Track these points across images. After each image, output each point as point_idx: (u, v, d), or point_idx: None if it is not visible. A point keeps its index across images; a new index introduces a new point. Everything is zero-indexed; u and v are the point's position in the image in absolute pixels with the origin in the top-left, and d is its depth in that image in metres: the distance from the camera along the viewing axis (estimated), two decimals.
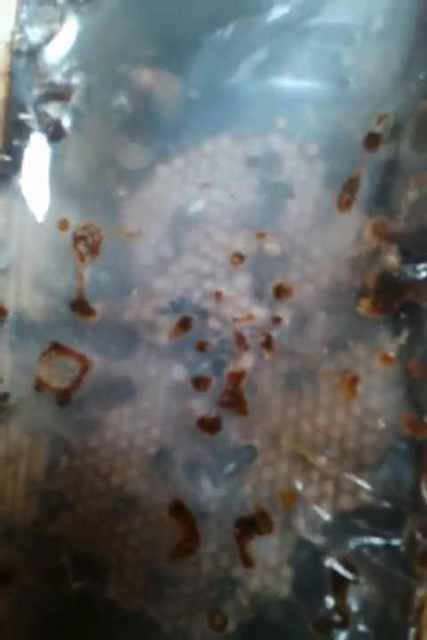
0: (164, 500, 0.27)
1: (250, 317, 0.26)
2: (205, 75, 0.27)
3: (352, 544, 0.25)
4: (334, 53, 0.26)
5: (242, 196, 0.27)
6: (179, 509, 0.26)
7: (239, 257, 0.26)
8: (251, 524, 0.25)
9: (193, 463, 0.27)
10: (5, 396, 0.27)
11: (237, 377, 0.26)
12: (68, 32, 0.26)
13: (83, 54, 0.26)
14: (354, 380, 0.25)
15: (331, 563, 0.25)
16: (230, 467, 0.26)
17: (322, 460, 0.26)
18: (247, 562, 0.25)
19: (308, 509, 0.26)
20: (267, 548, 0.26)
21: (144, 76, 0.27)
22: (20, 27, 0.26)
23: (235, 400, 0.26)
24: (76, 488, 0.28)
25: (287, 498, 0.25)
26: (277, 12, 0.27)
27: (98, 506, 0.28)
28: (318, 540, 0.25)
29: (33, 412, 0.27)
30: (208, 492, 0.26)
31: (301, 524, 0.26)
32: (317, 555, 0.25)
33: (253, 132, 0.27)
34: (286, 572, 0.26)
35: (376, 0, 0.24)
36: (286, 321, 0.26)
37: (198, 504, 0.26)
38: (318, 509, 0.26)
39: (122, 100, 0.27)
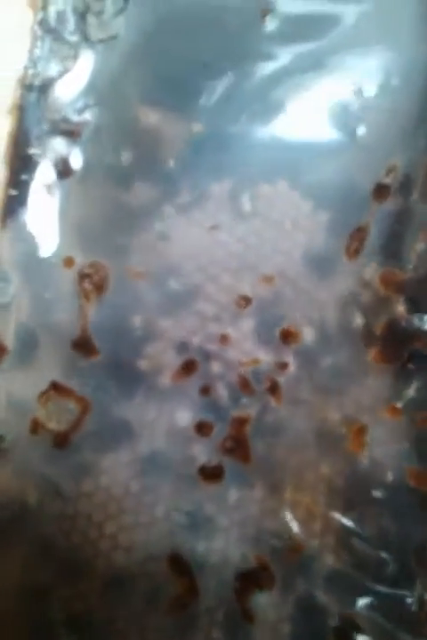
0: (161, 550, 0.26)
1: (255, 361, 0.26)
2: (210, 119, 0.27)
3: (357, 601, 0.24)
4: (342, 104, 0.26)
5: (248, 240, 0.27)
6: (177, 561, 0.25)
7: (245, 300, 0.26)
8: (251, 578, 0.25)
9: (192, 512, 0.26)
10: (1, 439, 0.26)
11: (241, 422, 0.25)
12: (81, 70, 0.26)
13: (95, 92, 0.26)
14: (361, 431, 0.24)
15: (334, 621, 0.24)
16: (231, 516, 0.25)
17: (325, 511, 0.25)
18: (247, 617, 0.24)
19: (310, 563, 0.25)
20: (267, 603, 0.25)
21: (151, 117, 0.27)
22: (34, 62, 0.26)
23: (238, 446, 0.25)
24: (66, 536, 0.27)
25: (290, 550, 0.25)
26: (278, 62, 0.27)
27: (90, 554, 0.26)
28: (321, 595, 0.25)
29: (26, 455, 0.26)
30: (207, 543, 0.25)
31: (303, 578, 0.25)
32: (319, 612, 0.25)
33: (259, 178, 0.27)
34: (286, 630, 0.25)
35: (392, 59, 0.25)
36: (292, 367, 0.25)
37: (197, 556, 0.25)
38: (320, 563, 0.25)
39: (130, 139, 0.27)
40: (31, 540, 0.27)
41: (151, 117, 0.27)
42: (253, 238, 0.27)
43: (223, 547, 0.25)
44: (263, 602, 0.25)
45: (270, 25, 0.26)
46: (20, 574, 0.27)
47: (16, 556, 0.27)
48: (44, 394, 0.26)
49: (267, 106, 0.27)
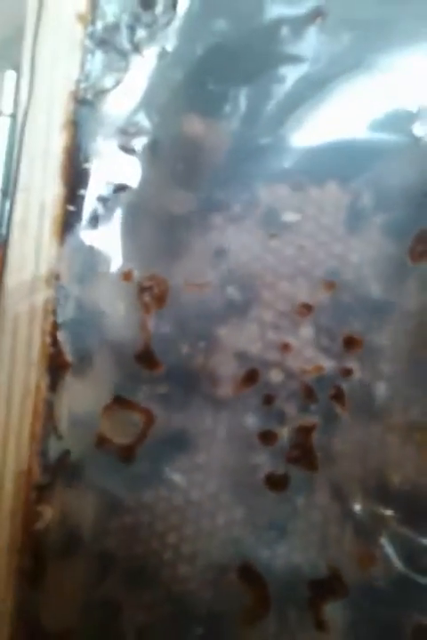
0: (227, 560, 0.26)
1: (319, 369, 0.25)
2: (255, 126, 0.27)
3: None
4: (398, 104, 0.26)
5: (301, 245, 0.27)
6: (247, 571, 0.25)
7: (306, 308, 0.26)
8: (324, 587, 0.24)
9: (256, 521, 0.26)
10: (66, 454, 0.26)
11: (307, 431, 0.25)
12: (133, 81, 0.26)
13: (147, 103, 0.26)
14: None
15: (409, 626, 0.24)
16: (298, 524, 0.25)
17: (393, 518, 0.25)
18: (321, 626, 0.24)
19: (380, 570, 0.25)
20: (340, 612, 0.25)
21: (197, 126, 0.27)
22: (86, 76, 0.26)
23: (304, 455, 0.25)
24: (128, 548, 0.27)
25: (363, 557, 0.24)
26: (324, 63, 0.27)
27: (154, 566, 0.27)
28: (392, 601, 0.24)
29: (90, 469, 0.26)
30: (274, 552, 0.25)
31: (374, 584, 0.25)
32: (391, 618, 0.24)
33: (307, 182, 0.27)
34: (360, 636, 0.25)
35: None
36: (358, 373, 0.25)
37: (266, 565, 0.25)
38: (389, 570, 0.25)
39: (181, 150, 0.27)
40: (93, 554, 0.27)
41: (197, 127, 0.27)
42: (306, 243, 0.27)
43: (292, 555, 0.25)
44: (337, 610, 0.24)
45: (321, 27, 0.26)
46: (84, 588, 0.27)
47: (78, 570, 0.27)
48: (108, 407, 0.26)
49: (313, 109, 0.27)
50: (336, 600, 0.24)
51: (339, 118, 0.27)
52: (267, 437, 0.26)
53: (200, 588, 0.26)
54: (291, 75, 0.27)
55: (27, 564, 0.26)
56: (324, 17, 0.26)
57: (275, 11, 0.26)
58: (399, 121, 0.26)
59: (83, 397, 0.26)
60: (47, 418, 0.26)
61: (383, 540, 0.25)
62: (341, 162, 0.27)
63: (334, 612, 0.24)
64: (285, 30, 0.26)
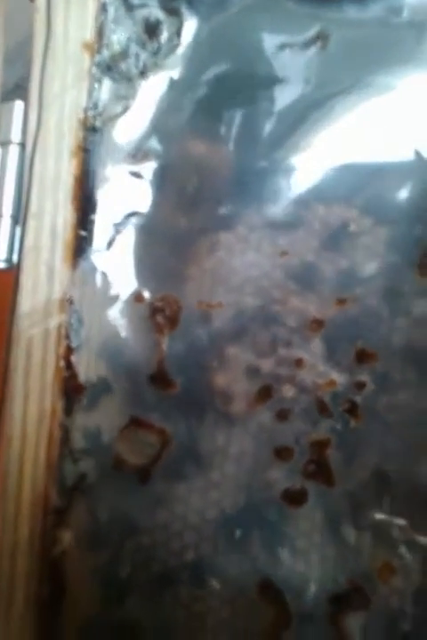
0: (246, 577, 0.26)
1: (332, 383, 0.26)
2: (259, 145, 0.27)
3: None
4: (403, 124, 0.27)
5: (309, 261, 0.27)
6: (267, 588, 0.25)
7: (317, 323, 0.26)
8: (345, 601, 0.25)
9: (274, 537, 0.26)
10: (83, 478, 0.26)
11: (322, 445, 0.25)
12: (141, 107, 0.26)
13: (155, 128, 0.27)
14: None
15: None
16: (317, 539, 0.26)
17: (409, 530, 0.25)
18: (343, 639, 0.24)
19: (399, 582, 0.25)
20: (361, 625, 0.25)
21: (200, 148, 0.27)
22: (94, 103, 0.26)
23: (320, 470, 0.25)
24: (145, 568, 0.27)
25: (382, 569, 0.25)
26: (335, 86, 0.27)
27: (172, 585, 0.27)
28: (410, 614, 0.24)
29: (106, 491, 0.26)
30: (294, 568, 0.25)
31: (394, 597, 0.25)
32: (411, 630, 0.24)
33: (315, 199, 0.27)
34: None
35: None
36: (370, 386, 0.25)
37: (286, 581, 0.25)
38: (409, 581, 0.25)
39: (190, 172, 0.27)
40: (110, 576, 0.27)
41: (203, 150, 0.27)
42: (314, 259, 0.27)
43: (311, 570, 0.25)
44: (358, 623, 0.25)
45: (331, 49, 0.26)
46: (102, 610, 0.27)
47: (95, 592, 0.27)
48: (124, 429, 0.26)
49: (318, 129, 0.27)
50: (357, 613, 0.24)
51: (343, 137, 0.27)
52: (282, 453, 0.26)
53: (220, 606, 0.26)
54: (294, 96, 0.27)
55: (45, 592, 0.26)
56: (325, 40, 0.26)
57: (278, 38, 0.26)
58: (403, 139, 0.26)
59: (98, 420, 0.26)
60: (63, 442, 0.26)
61: (402, 550, 0.25)
62: (346, 179, 0.27)
63: (354, 624, 0.25)
64: (287, 54, 0.27)
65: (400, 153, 0.26)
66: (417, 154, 0.26)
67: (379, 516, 0.25)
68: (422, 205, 0.26)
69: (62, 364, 0.26)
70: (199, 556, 0.27)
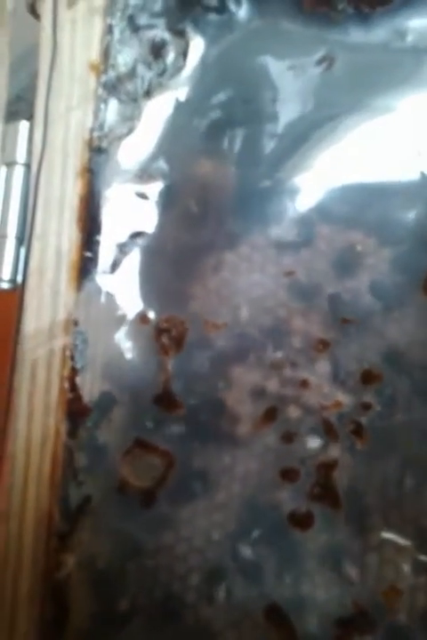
0: (251, 600, 0.25)
1: (338, 404, 0.26)
2: (263, 165, 0.27)
3: None
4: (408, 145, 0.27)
5: (314, 281, 0.27)
6: (274, 612, 0.25)
7: (323, 343, 0.26)
8: (352, 625, 0.24)
9: (281, 560, 0.26)
10: (88, 500, 0.25)
11: (328, 468, 0.25)
12: (147, 128, 0.26)
13: (161, 149, 0.27)
14: None
15: None
16: (321, 561, 0.25)
17: (414, 552, 0.25)
18: None
19: (404, 604, 0.25)
20: None
21: (207, 166, 0.27)
22: (100, 124, 0.26)
23: (326, 492, 0.25)
24: (148, 592, 0.26)
25: (389, 593, 0.25)
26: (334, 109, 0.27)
27: (176, 609, 0.26)
28: (421, 636, 0.24)
29: (111, 514, 0.26)
30: (300, 591, 0.25)
31: (401, 619, 0.25)
32: None
33: (319, 219, 0.27)
34: None
35: None
36: (376, 407, 0.25)
37: (292, 604, 0.25)
38: (414, 603, 0.25)
39: (195, 191, 0.27)
40: (115, 599, 0.26)
41: (209, 170, 0.27)
42: (319, 280, 0.27)
43: (317, 594, 0.25)
44: None
45: (335, 71, 0.26)
46: (106, 633, 0.27)
47: (99, 615, 0.26)
48: (128, 451, 0.26)
49: (322, 148, 0.27)
50: (363, 637, 0.24)
51: (347, 157, 0.27)
52: (288, 475, 0.26)
53: (225, 630, 0.26)
54: (297, 117, 0.27)
55: (48, 614, 0.26)
56: (330, 62, 0.27)
57: (284, 61, 0.26)
58: (407, 159, 0.26)
59: (103, 442, 0.26)
60: (67, 464, 0.26)
61: (407, 572, 0.25)
62: (350, 200, 0.27)
63: None
64: (292, 75, 0.27)
65: (405, 173, 0.26)
66: (422, 174, 0.26)
67: (385, 537, 0.25)
68: (422, 224, 0.26)
69: (66, 385, 0.26)
70: (204, 579, 0.26)
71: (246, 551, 0.26)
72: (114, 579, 0.26)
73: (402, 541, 0.25)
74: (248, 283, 0.27)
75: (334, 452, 0.25)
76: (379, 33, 0.26)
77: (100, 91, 0.26)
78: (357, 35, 0.26)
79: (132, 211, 0.26)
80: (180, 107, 0.27)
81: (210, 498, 0.26)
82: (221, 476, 0.26)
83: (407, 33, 0.26)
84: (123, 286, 0.26)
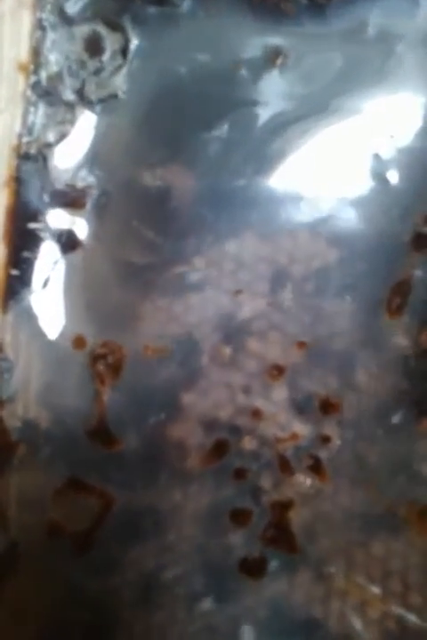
0: None
1: (294, 437, 0.23)
2: (216, 172, 0.25)
3: None
4: (370, 150, 0.24)
5: (272, 299, 0.25)
6: None
7: (278, 369, 0.23)
8: None
9: (234, 609, 0.23)
10: (14, 547, 0.23)
11: (284, 507, 0.23)
12: (81, 133, 0.24)
13: (97, 156, 0.24)
14: (424, 512, 0.21)
15: None
16: (279, 610, 0.23)
17: (380, 594, 0.23)
18: None
19: None
20: None
21: (157, 176, 0.25)
22: (28, 129, 0.24)
23: (281, 535, 0.23)
24: None
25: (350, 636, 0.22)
26: (288, 109, 0.25)
27: None
28: None
29: (45, 560, 0.23)
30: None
31: None
32: None
33: (277, 230, 0.25)
34: None
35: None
36: (336, 441, 0.23)
37: None
38: None
39: (137, 201, 0.25)
40: None
41: (157, 177, 0.25)
42: (274, 297, 0.25)
43: None
44: None
45: (290, 69, 0.24)
46: None
47: None
48: (59, 492, 0.23)
49: (280, 154, 0.25)
50: None
51: (307, 164, 0.25)
52: (239, 516, 0.23)
53: None
54: (251, 121, 0.25)
55: None
56: (285, 58, 0.24)
57: (232, 56, 0.24)
58: (369, 166, 0.24)
59: (32, 482, 0.23)
60: None
61: (373, 617, 0.23)
62: (310, 209, 0.25)
63: None
64: (244, 73, 0.24)
65: (366, 180, 0.24)
66: (384, 180, 0.23)
67: (343, 581, 0.22)
68: (390, 238, 0.23)
69: None
70: (151, 627, 0.24)
71: (197, 596, 0.24)
72: (53, 629, 0.24)
73: (365, 587, 0.23)
74: (197, 301, 0.24)
75: (290, 490, 0.23)
76: (337, 24, 0.24)
77: (30, 92, 0.24)
78: (311, 27, 0.24)
79: (65, 223, 0.24)
80: (118, 109, 0.24)
81: (159, 538, 0.24)
82: (170, 514, 0.24)
83: (368, 23, 0.24)
84: (55, 307, 0.24)
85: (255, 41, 0.24)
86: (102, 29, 0.24)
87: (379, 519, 0.23)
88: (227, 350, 0.24)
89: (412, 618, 0.22)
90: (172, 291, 0.24)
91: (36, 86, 0.24)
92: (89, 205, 0.24)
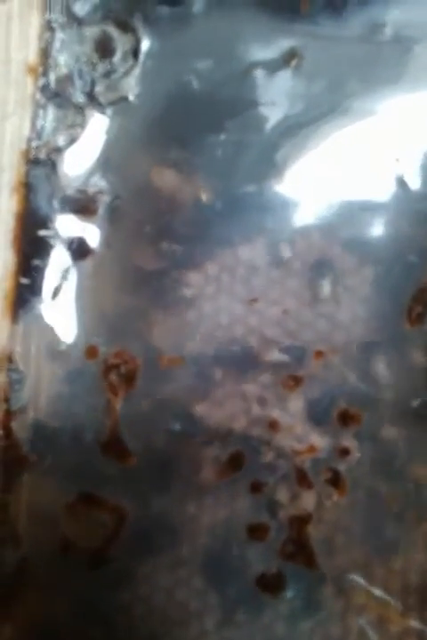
0: None
1: (312, 449, 0.22)
2: (229, 175, 0.24)
3: None
4: (387, 153, 0.24)
5: (286, 306, 0.24)
6: None
7: (294, 379, 0.23)
8: None
9: (251, 625, 0.22)
10: (23, 562, 0.22)
11: (302, 522, 0.22)
12: (92, 137, 0.23)
13: (108, 160, 0.23)
14: None
15: None
16: (297, 628, 0.22)
17: (400, 609, 0.22)
18: None
19: None
20: None
21: (166, 179, 0.24)
22: (38, 133, 0.23)
23: (300, 550, 0.22)
24: None
25: None
26: (298, 110, 0.24)
27: None
28: None
29: (55, 575, 0.23)
30: None
31: None
32: None
33: (292, 236, 0.24)
34: None
35: None
36: (355, 453, 0.22)
37: None
38: None
39: (149, 206, 0.24)
40: None
41: (166, 179, 0.24)
42: (291, 304, 0.24)
43: None
44: None
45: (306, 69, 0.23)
46: None
47: None
48: (70, 507, 0.22)
49: (293, 158, 0.24)
50: None
51: (322, 167, 0.24)
52: (256, 531, 0.22)
53: None
54: (266, 123, 0.24)
55: None
56: (300, 59, 0.23)
57: (246, 57, 0.23)
58: (387, 169, 0.23)
59: (43, 496, 0.22)
60: (1, 522, 0.22)
61: (393, 632, 0.22)
62: (325, 213, 0.24)
63: None
64: (258, 74, 0.24)
65: (386, 184, 0.23)
66: (402, 183, 0.23)
67: (363, 596, 0.22)
68: (411, 242, 0.23)
69: (1, 431, 0.22)
70: None
71: (212, 612, 0.23)
72: None
73: (385, 602, 0.22)
74: (211, 308, 0.24)
75: (308, 503, 0.22)
76: (354, 25, 0.23)
77: (39, 95, 0.23)
78: (327, 28, 0.23)
79: (75, 230, 0.23)
80: (130, 112, 0.24)
81: (173, 552, 0.23)
82: (184, 528, 0.23)
83: (386, 24, 0.23)
84: (66, 316, 0.23)
85: (270, 42, 0.24)
86: (113, 30, 0.23)
87: (399, 533, 0.22)
88: (242, 359, 0.23)
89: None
90: (184, 298, 0.24)
91: (45, 89, 0.23)
92: (100, 211, 0.23)
